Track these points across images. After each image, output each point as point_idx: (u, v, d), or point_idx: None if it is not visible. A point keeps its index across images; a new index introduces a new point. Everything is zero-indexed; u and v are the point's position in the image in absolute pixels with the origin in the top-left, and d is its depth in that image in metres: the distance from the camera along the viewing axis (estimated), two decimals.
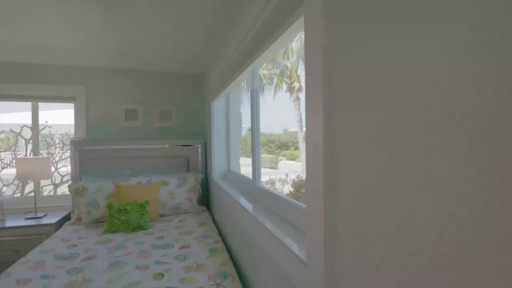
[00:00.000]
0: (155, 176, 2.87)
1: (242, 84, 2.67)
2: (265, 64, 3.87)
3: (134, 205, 2.32)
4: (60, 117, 3.71)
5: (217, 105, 2.60)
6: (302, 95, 5.82)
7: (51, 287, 1.40)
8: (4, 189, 3.01)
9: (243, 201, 1.59)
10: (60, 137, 3.30)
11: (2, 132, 3.07)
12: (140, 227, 2.27)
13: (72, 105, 3.12)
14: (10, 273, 1.54)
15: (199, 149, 3.20)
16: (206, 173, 3.20)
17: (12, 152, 3.14)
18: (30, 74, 2.95)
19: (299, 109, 5.87)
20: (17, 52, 2.62)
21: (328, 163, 0.67)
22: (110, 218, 2.26)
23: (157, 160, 3.09)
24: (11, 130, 3.09)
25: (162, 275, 1.50)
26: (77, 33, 2.18)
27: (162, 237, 2.10)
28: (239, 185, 2.07)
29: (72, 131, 3.15)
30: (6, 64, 2.88)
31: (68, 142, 3.11)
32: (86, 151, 2.97)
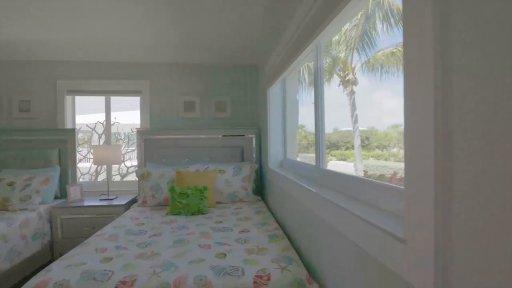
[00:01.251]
0: (211, 164, 2.93)
1: (300, 71, 2.58)
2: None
3: (194, 190, 2.39)
4: (125, 117, 4.01)
5: (274, 91, 2.55)
6: (356, 89, 5.47)
7: (124, 256, 1.48)
8: (82, 178, 3.38)
9: (308, 185, 1.50)
10: (126, 133, 3.60)
11: (80, 128, 3.42)
12: (200, 211, 2.33)
13: (135, 104, 3.40)
14: (90, 243, 1.68)
15: (253, 139, 3.19)
16: (260, 164, 3.18)
17: (88, 148, 3.51)
18: (102, 71, 3.26)
19: (354, 103, 5.53)
20: (91, 52, 2.91)
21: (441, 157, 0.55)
22: (172, 201, 2.36)
23: (213, 150, 3.16)
24: (87, 125, 3.45)
25: (225, 255, 1.49)
26: (143, 30, 2.32)
27: (220, 222, 2.12)
28: (299, 172, 1.99)
29: (135, 129, 3.40)
30: (82, 63, 3.22)
31: (132, 137, 3.40)
32: (150, 140, 3.17)
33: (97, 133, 3.44)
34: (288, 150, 2.50)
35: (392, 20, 3.83)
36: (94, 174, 3.49)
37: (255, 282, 1.25)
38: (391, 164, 3.34)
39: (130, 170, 3.52)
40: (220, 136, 3.18)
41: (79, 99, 3.48)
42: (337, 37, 4.50)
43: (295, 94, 2.53)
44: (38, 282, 1.23)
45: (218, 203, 2.68)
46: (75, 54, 3.00)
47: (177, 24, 2.27)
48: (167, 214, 2.35)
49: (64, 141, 3.13)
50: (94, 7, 2.00)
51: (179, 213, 2.32)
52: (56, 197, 3.01)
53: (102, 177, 3.58)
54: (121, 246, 1.64)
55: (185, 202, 2.34)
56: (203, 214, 2.33)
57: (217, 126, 3.26)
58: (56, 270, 1.32)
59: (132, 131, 3.53)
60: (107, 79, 3.25)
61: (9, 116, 3.18)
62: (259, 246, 1.61)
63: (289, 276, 1.29)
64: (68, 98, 3.30)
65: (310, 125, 2.62)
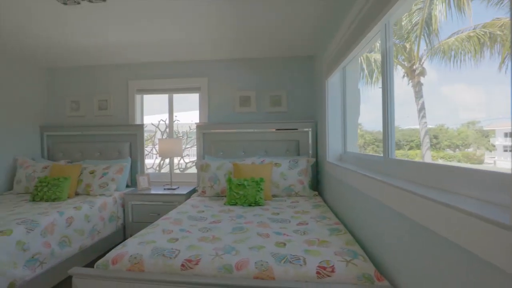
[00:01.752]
0: (267, 158, 2.93)
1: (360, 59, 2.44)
2: (378, 46, 3.45)
3: (250, 181, 2.42)
4: (184, 116, 4.23)
5: (332, 82, 2.43)
6: (424, 80, 4.97)
7: (188, 238, 1.55)
8: (146, 171, 3.69)
9: (378, 176, 1.38)
10: (184, 131, 3.82)
11: (146, 127, 3.71)
12: (256, 203, 2.34)
13: (192, 105, 3.60)
14: (158, 224, 1.81)
15: (309, 133, 3.10)
16: (316, 158, 3.08)
17: (152, 145, 3.81)
18: (166, 70, 3.51)
19: (422, 96, 5.03)
20: (156, 53, 3.15)
21: None
22: (229, 191, 2.41)
23: (268, 143, 3.16)
24: (151, 124, 3.75)
25: (284, 244, 1.46)
26: (202, 29, 2.42)
27: (277, 213, 2.09)
28: (363, 164, 1.86)
29: (193, 127, 3.58)
30: (149, 63, 3.51)
31: (190, 135, 3.61)
32: (208, 134, 3.31)
33: (160, 130, 3.73)
34: (349, 143, 2.36)
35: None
36: (157, 168, 3.78)
37: (318, 273, 1.19)
38: (466, 167, 2.94)
39: (188, 165, 3.74)
40: (275, 130, 3.16)
41: (146, 101, 3.80)
42: (403, 22, 4.14)
43: (356, 82, 2.38)
44: (117, 254, 1.35)
45: (274, 196, 2.67)
46: (143, 56, 3.28)
47: (234, 20, 2.33)
48: (224, 204, 2.41)
49: (134, 136, 3.45)
50: (158, 9, 2.15)
51: (236, 204, 2.37)
52: (127, 186, 3.34)
53: (164, 170, 3.86)
54: (185, 229, 1.73)
55: (242, 193, 2.37)
56: (259, 205, 2.34)
57: (272, 120, 3.25)
58: (130, 245, 1.44)
59: (190, 129, 3.74)
60: (170, 78, 3.49)
61: (91, 114, 3.63)
62: (320, 238, 1.54)
63: (355, 270, 1.20)
64: (137, 97, 3.63)
65: (367, 124, 2.43)
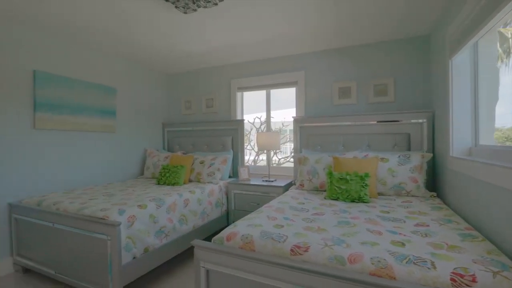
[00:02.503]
0: (371, 152, 2.69)
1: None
2: None
3: (353, 176, 2.26)
4: (277, 114, 4.30)
5: (459, 61, 2.03)
6: None
7: (293, 226, 1.55)
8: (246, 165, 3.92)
9: None
10: (277, 128, 3.87)
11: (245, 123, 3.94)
12: (360, 199, 2.17)
13: (286, 103, 3.60)
14: (262, 211, 1.88)
15: (424, 124, 2.69)
16: (433, 153, 2.65)
17: (247, 142, 4.01)
18: (263, 67, 3.64)
19: None
20: (254, 51, 3.29)
21: None
22: (330, 185, 2.31)
23: (371, 137, 2.89)
24: (248, 121, 3.95)
25: (403, 244, 1.28)
26: (297, 22, 2.39)
27: (387, 212, 1.88)
28: (506, 160, 1.48)
29: (286, 124, 3.59)
30: (248, 62, 3.71)
31: (283, 132, 3.64)
32: (305, 128, 3.28)
33: (255, 127, 3.91)
34: (481, 134, 1.93)
35: None
36: (252, 164, 3.96)
37: (453, 280, 1.00)
38: None
39: (280, 161, 3.79)
40: (380, 122, 2.87)
41: (244, 99, 4.04)
42: None
43: (494, 61, 1.92)
44: (230, 232, 1.46)
45: (380, 193, 2.42)
46: (244, 55, 3.49)
47: (334, 6, 2.21)
48: (325, 198, 2.33)
49: (235, 130, 3.72)
50: (264, 4, 2.23)
51: (337, 198, 2.25)
52: (229, 176, 3.63)
53: (261, 164, 4.02)
54: (288, 217, 1.74)
55: (344, 187, 2.24)
56: (364, 202, 2.16)
57: (377, 111, 2.96)
58: (240, 226, 1.53)
59: (283, 126, 3.78)
60: (267, 74, 3.61)
61: (200, 111, 4.10)
62: (449, 243, 1.30)
63: (507, 285, 0.95)
64: (238, 94, 3.89)
65: (502, 117, 1.89)
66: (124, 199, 2.33)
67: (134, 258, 2.00)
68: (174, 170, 3.10)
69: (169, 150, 4.19)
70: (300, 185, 2.73)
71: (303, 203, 2.14)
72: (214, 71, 3.98)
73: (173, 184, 3.04)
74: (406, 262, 1.10)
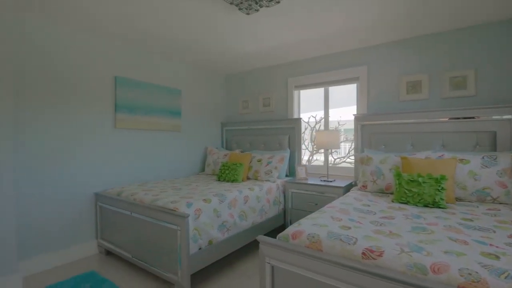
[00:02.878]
0: (447, 152, 2.42)
1: None
2: None
3: (426, 179, 2.05)
4: (333, 113, 4.14)
5: None
6: None
7: (361, 228, 1.47)
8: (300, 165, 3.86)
9: None
10: (332, 128, 3.72)
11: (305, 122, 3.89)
12: (435, 204, 1.96)
13: (342, 101, 3.44)
14: (325, 211, 1.82)
15: None
16: None
17: (301, 141, 3.93)
18: (321, 64, 3.53)
19: None
20: (311, 48, 3.20)
21: None
22: (399, 188, 2.14)
23: (446, 135, 2.60)
24: (302, 120, 3.87)
25: (497, 257, 1.12)
26: (360, 15, 2.25)
27: (470, 220, 1.66)
28: None
29: (342, 123, 3.42)
30: (305, 60, 3.64)
31: (339, 130, 3.47)
32: (367, 126, 3.09)
33: (310, 126, 3.82)
34: None
35: None
36: (307, 162, 3.88)
37: None
38: None
39: (336, 161, 3.63)
40: (453, 119, 2.56)
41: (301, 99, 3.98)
42: None
43: None
44: (296, 231, 1.44)
45: (458, 199, 2.16)
46: (301, 53, 3.43)
47: None
48: (392, 201, 2.17)
49: (292, 129, 3.69)
50: (320, 4, 2.16)
51: (407, 202, 2.07)
52: (286, 175, 3.62)
53: (318, 163, 3.92)
54: (354, 219, 1.65)
55: (415, 191, 2.05)
56: (440, 207, 1.95)
57: (452, 107, 2.64)
58: (305, 225, 1.51)
59: (339, 124, 3.61)
60: (326, 71, 3.50)
61: (257, 110, 4.17)
62: None
63: None
64: (295, 93, 3.86)
65: None
66: (190, 193, 2.49)
67: (199, 249, 2.12)
68: (233, 168, 3.20)
69: (227, 148, 4.36)
70: (363, 186, 2.58)
71: (368, 205, 2.03)
72: (271, 70, 4.01)
73: (232, 181, 3.15)
74: (505, 278, 0.95)
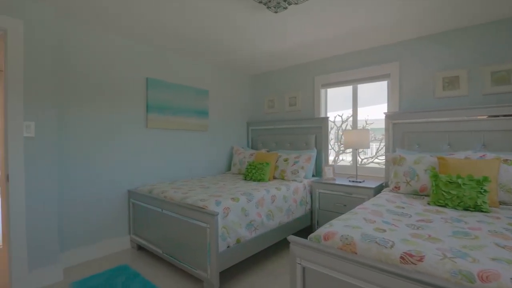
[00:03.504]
0: (489, 153, 2.26)
1: None
2: None
3: (467, 180, 1.93)
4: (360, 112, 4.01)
5: None
6: None
7: (397, 231, 1.41)
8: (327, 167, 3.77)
9: None
10: (360, 127, 3.59)
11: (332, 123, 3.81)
12: (476, 207, 1.84)
13: (369, 100, 3.31)
14: (357, 213, 1.77)
15: None
16: None
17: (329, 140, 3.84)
18: (349, 62, 3.44)
19: None
20: (339, 45, 3.12)
21: None
22: (436, 189, 2.03)
23: (488, 134, 2.43)
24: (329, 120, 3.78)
25: None
26: (390, 6, 2.15)
27: None
28: None
29: (369, 122, 3.29)
30: (332, 57, 3.55)
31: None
32: (399, 125, 2.97)
33: (336, 125, 3.73)
34: None
35: None
36: (332, 163, 3.79)
37: None
38: None
39: (363, 161, 3.51)
40: (493, 117, 2.38)
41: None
42: None
43: None
44: (327, 232, 1.41)
45: (502, 203, 2.01)
46: (328, 50, 3.36)
47: None
48: (428, 203, 2.06)
49: (319, 128, 3.63)
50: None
51: (445, 205, 1.96)
52: (312, 175, 3.56)
53: (344, 164, 3.82)
54: (388, 221, 1.59)
55: (454, 193, 1.93)
56: (482, 211, 1.82)
57: (495, 104, 2.46)
58: (337, 226, 1.47)
59: (366, 124, 3.48)
60: (354, 69, 3.40)
61: (283, 110, 4.14)
62: None
63: None
64: (322, 91, 3.78)
65: None
66: (218, 192, 2.53)
67: (228, 247, 2.14)
68: (260, 167, 3.20)
69: (253, 148, 4.38)
70: (395, 187, 2.48)
71: (403, 208, 1.94)
72: (297, 69, 3.97)
73: (259, 181, 3.15)
74: None
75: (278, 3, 2.11)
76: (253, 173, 3.21)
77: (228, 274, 2.37)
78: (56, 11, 2.35)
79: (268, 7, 2.17)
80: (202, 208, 2.11)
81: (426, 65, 2.89)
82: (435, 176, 2.08)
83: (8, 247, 2.08)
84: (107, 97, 2.81)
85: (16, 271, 2.06)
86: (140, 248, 2.93)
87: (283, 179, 3.28)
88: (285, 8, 2.19)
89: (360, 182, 3.00)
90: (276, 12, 2.24)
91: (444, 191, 1.98)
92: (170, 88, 3.34)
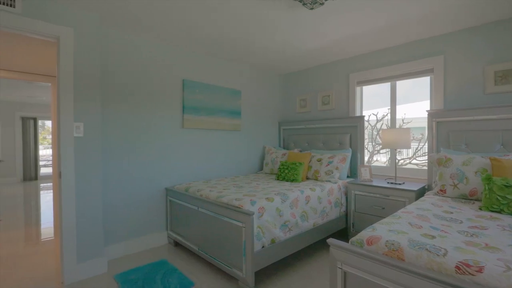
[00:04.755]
0: None
1: None
2: None
3: None
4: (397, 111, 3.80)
5: None
6: None
7: (448, 238, 1.31)
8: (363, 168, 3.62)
9: None
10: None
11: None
12: None
13: (404, 98, 3.10)
14: (400, 217, 1.68)
15: None
16: None
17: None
18: (387, 57, 3.27)
19: None
20: (375, 41, 2.97)
21: None
22: (489, 194, 1.86)
23: None
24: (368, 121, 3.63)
25: None
26: None
27: None
28: None
29: (407, 121, 3.09)
30: (369, 53, 3.40)
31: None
32: (443, 123, 2.77)
33: (370, 125, 3.57)
34: None
35: None
36: (367, 163, 3.63)
37: None
38: None
39: (399, 163, 3.31)
40: None
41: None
42: None
43: None
44: (371, 236, 1.35)
45: None
46: (364, 46, 3.22)
47: None
48: (480, 208, 1.89)
49: (354, 127, 3.50)
50: None
51: (500, 211, 1.79)
52: (347, 176, 3.44)
53: (379, 165, 3.66)
54: (437, 228, 1.48)
55: (511, 198, 1.76)
56: None
57: None
58: (381, 230, 1.40)
59: (403, 122, 3.28)
60: (393, 65, 3.23)
61: (316, 109, 4.06)
62: None
63: None
64: (357, 89, 3.65)
65: None
66: (252, 191, 2.53)
67: (263, 247, 2.14)
68: (293, 167, 3.16)
69: (285, 148, 4.34)
70: (441, 190, 2.31)
71: (451, 213, 1.80)
72: (330, 66, 3.86)
73: (292, 181, 3.12)
74: None
75: None
76: (286, 173, 3.18)
77: (263, 274, 2.37)
78: (99, 18, 2.50)
79: (304, 4, 2.13)
80: (238, 207, 2.12)
81: (475, 58, 2.66)
82: (488, 179, 1.91)
83: (60, 239, 2.25)
84: (145, 98, 2.93)
85: (67, 262, 2.23)
86: (177, 244, 3.03)
87: (316, 179, 3.21)
88: (322, 3, 2.14)
89: (399, 184, 2.85)
90: (312, 8, 2.19)
91: (499, 195, 1.81)
92: (204, 89, 3.41)
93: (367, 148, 3.65)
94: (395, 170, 3.00)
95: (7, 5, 1.97)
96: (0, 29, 2.00)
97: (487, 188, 1.89)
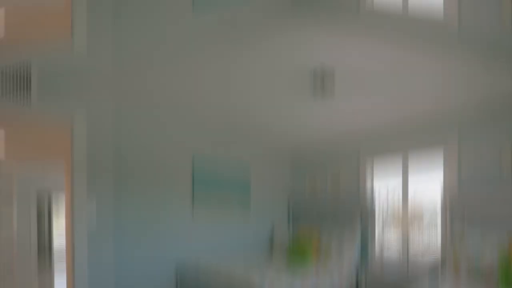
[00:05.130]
0: None
1: None
2: None
3: None
4: None
5: None
6: None
7: None
8: None
9: None
10: None
11: None
12: None
13: None
14: None
15: None
16: None
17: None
18: (399, 131, 3.15)
19: None
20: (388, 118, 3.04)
21: None
22: (505, 277, 1.58)
23: None
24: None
25: None
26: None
27: None
28: None
29: None
30: (377, 129, 3.41)
31: None
32: (457, 197, 2.54)
33: (379, 199, 3.29)
34: None
35: None
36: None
37: None
38: None
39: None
40: None
41: None
42: None
43: None
44: None
45: None
46: (374, 123, 3.24)
47: None
48: None
49: (364, 206, 3.28)
50: None
51: None
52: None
53: None
54: None
55: None
56: None
57: None
58: None
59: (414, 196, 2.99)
60: (404, 139, 3.18)
61: (324, 187, 3.91)
62: None
63: None
64: (368, 165, 3.54)
65: None
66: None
67: None
68: (301, 251, 2.95)
69: (293, 226, 4.04)
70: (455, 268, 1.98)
71: None
72: (340, 143, 3.79)
73: (301, 267, 2.85)
74: None
75: None
76: (295, 259, 2.98)
77: None
78: (112, 103, 2.63)
79: None
80: None
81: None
82: (505, 259, 1.65)
83: None
84: (154, 177, 2.99)
85: None
86: None
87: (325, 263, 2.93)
88: None
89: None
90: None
91: None
92: (213, 165, 3.48)
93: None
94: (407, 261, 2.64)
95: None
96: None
97: (503, 269, 1.61)
